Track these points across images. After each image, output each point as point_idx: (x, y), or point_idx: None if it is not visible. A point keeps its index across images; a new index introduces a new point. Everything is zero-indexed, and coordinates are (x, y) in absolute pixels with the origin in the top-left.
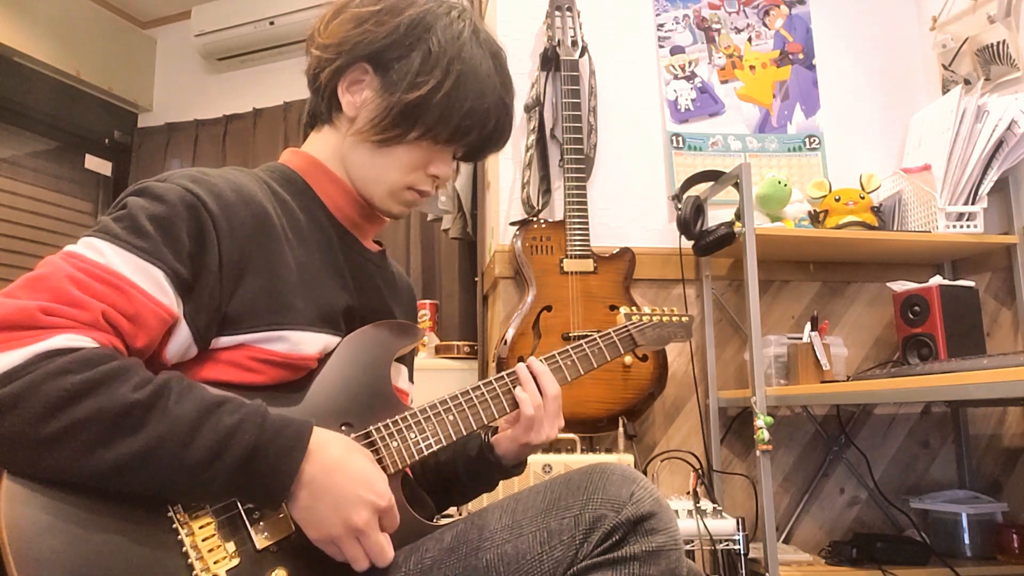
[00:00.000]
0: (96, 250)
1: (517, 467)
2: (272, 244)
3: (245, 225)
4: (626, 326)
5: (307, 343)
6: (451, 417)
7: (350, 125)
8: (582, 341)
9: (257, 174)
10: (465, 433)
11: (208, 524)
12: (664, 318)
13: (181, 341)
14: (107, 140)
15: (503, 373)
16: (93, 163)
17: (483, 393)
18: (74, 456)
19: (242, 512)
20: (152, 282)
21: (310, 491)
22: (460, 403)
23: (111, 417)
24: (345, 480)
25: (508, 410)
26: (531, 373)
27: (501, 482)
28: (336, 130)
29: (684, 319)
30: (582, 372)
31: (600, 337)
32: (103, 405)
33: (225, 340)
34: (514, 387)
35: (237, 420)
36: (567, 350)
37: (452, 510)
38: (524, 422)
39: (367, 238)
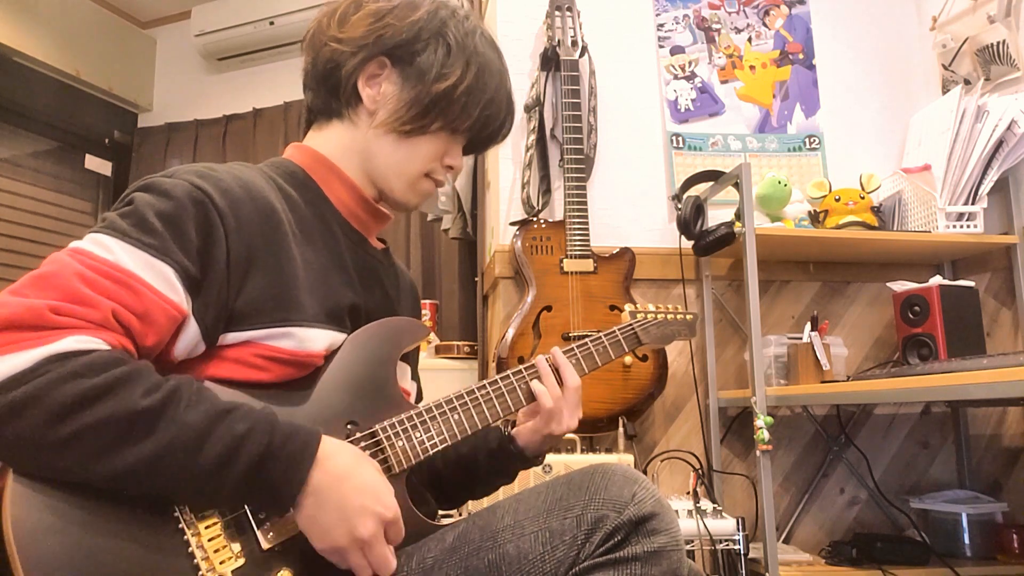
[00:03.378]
0: (104, 247)
1: (538, 457)
2: (279, 240)
3: (252, 221)
4: (631, 324)
5: (314, 339)
6: (456, 416)
7: (370, 118)
8: (587, 340)
9: (262, 169)
10: (470, 432)
11: (214, 524)
12: (668, 316)
13: (190, 338)
14: (107, 140)
15: (521, 367)
16: (93, 163)
17: (488, 392)
18: (83, 460)
19: (248, 513)
20: (162, 279)
21: (316, 500)
22: (465, 402)
23: (121, 423)
24: (352, 490)
25: (524, 403)
26: (554, 364)
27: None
28: (352, 125)
29: (689, 317)
30: (586, 371)
31: (605, 336)
32: (113, 411)
33: (232, 337)
34: (531, 380)
35: (247, 428)
36: (572, 349)
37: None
38: (544, 414)
39: (371, 235)
